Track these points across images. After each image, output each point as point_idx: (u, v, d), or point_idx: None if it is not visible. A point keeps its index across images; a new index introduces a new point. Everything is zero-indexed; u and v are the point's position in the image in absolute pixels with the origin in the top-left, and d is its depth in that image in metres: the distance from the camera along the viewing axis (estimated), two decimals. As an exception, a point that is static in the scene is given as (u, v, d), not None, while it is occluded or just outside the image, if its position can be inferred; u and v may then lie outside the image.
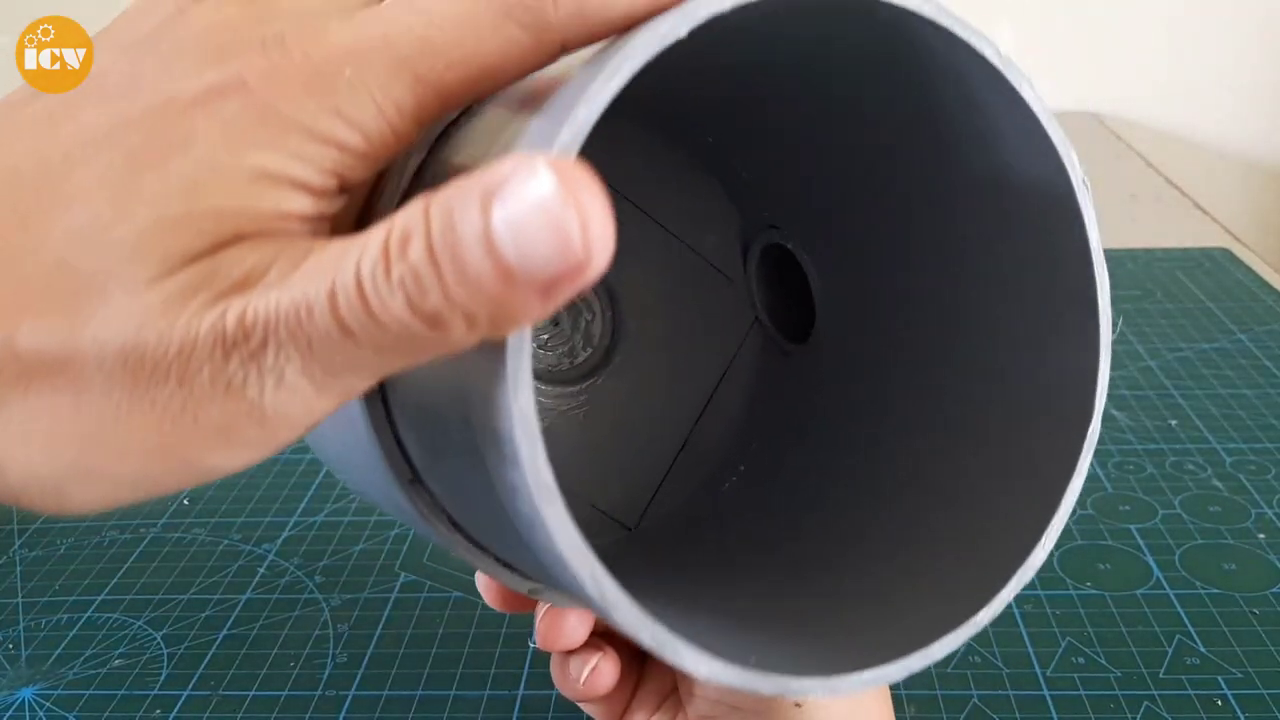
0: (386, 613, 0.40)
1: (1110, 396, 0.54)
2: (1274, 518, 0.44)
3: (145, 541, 0.45)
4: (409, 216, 0.15)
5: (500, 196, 0.14)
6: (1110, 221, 0.80)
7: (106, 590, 0.42)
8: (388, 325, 0.15)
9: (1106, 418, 0.52)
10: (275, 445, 0.17)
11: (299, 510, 0.46)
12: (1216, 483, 0.46)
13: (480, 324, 0.15)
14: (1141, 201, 0.84)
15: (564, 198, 0.14)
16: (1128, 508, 0.45)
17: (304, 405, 0.16)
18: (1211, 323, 0.61)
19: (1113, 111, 1.08)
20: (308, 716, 0.35)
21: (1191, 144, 1.07)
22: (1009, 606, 0.38)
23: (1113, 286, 0.71)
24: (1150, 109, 1.07)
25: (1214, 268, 0.69)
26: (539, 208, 0.14)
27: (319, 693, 0.36)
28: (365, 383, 0.17)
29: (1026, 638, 0.38)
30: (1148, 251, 0.72)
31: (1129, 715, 0.34)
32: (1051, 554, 0.42)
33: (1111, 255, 0.71)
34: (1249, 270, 0.69)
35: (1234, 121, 1.06)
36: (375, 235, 0.16)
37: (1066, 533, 0.43)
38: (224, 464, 0.17)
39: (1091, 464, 0.48)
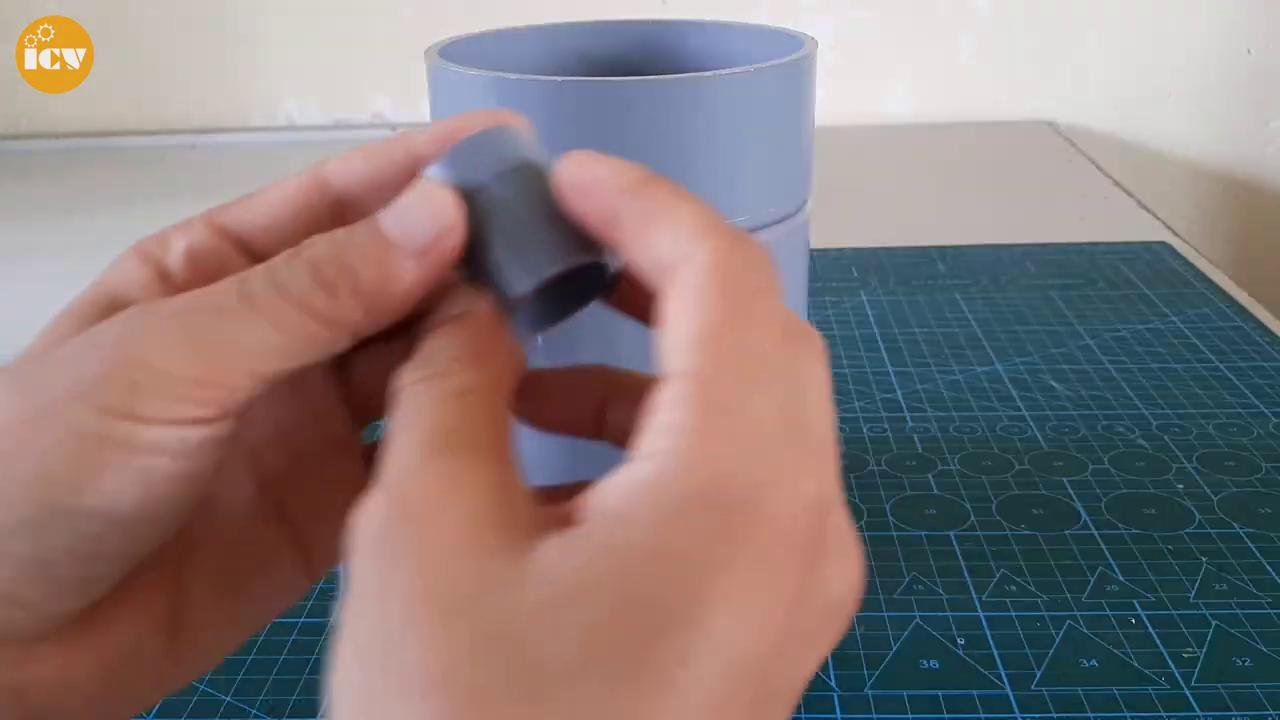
0: (391, 553, 0.44)
1: (1050, 370, 0.59)
2: (1192, 471, 0.48)
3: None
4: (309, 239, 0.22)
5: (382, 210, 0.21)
6: (1061, 219, 0.85)
7: (132, 538, 0.46)
8: (290, 296, 0.21)
9: (1045, 387, 0.57)
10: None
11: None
12: (1143, 443, 0.51)
13: (365, 291, 0.21)
14: (1090, 201, 0.90)
15: (433, 186, 0.21)
16: (1061, 463, 0.49)
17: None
18: (1147, 307, 0.66)
19: (1065, 119, 1.13)
20: (323, 639, 0.39)
21: (1138, 149, 1.12)
22: (951, 545, 0.43)
23: (1060, 276, 0.76)
24: (1100, 117, 1.13)
25: (1153, 259, 0.75)
26: (416, 194, 0.21)
27: (333, 619, 0.40)
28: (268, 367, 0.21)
29: (965, 570, 0.42)
30: (1093, 245, 0.77)
31: (1053, 631, 0.39)
32: (989, 501, 0.46)
33: (1060, 249, 0.76)
34: (1185, 261, 0.74)
35: (1178, 129, 1.12)
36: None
37: (1004, 484, 0.48)
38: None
39: (1029, 426, 0.53)
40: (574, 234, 0.21)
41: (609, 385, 0.24)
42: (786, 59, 0.35)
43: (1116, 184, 0.94)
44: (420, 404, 0.19)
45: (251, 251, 0.24)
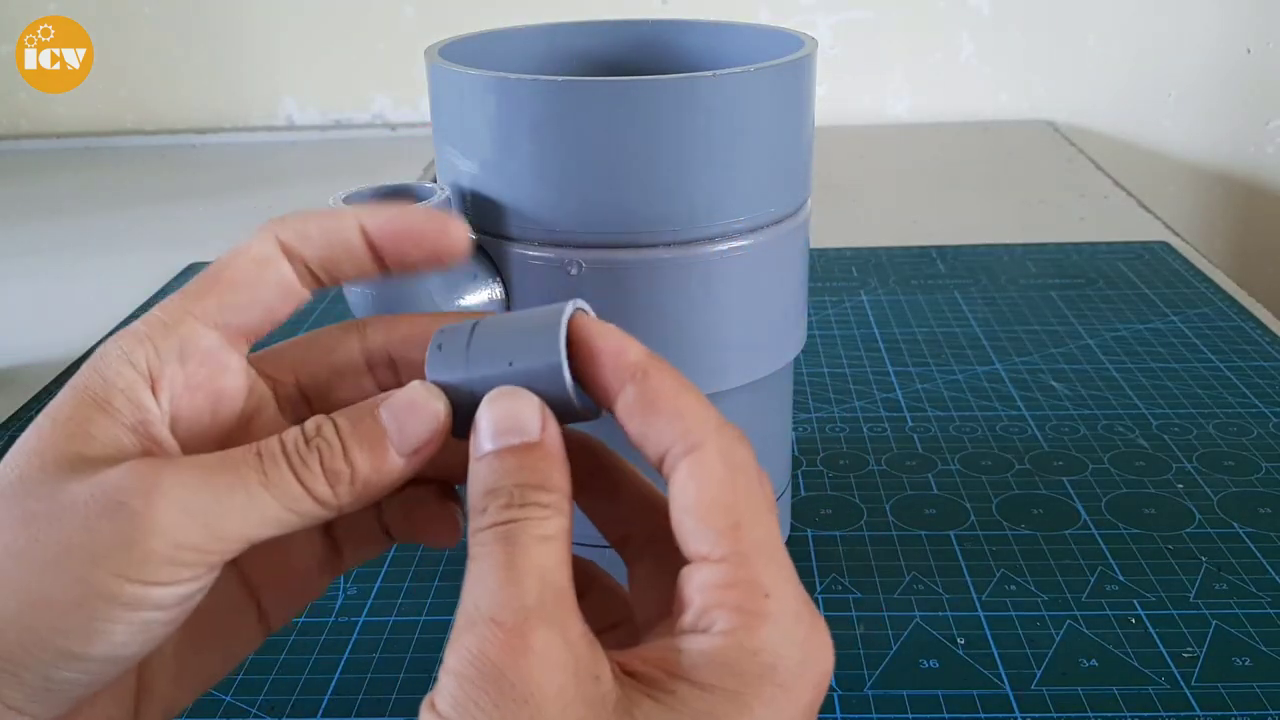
0: (392, 552, 0.44)
1: (1050, 370, 0.59)
2: (1192, 471, 0.49)
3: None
4: (318, 417, 0.24)
5: (384, 403, 0.24)
6: (1060, 219, 0.85)
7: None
8: (300, 478, 0.23)
9: (1045, 387, 0.57)
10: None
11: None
12: (1143, 442, 0.51)
13: (360, 482, 0.24)
14: (1090, 201, 0.90)
15: (428, 394, 0.24)
16: (1061, 463, 0.49)
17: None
18: (1147, 306, 0.66)
19: (1066, 119, 1.13)
20: (323, 638, 0.39)
21: (1138, 149, 1.12)
22: (951, 545, 0.43)
23: (1060, 276, 0.76)
24: (1101, 117, 1.13)
25: (1153, 259, 0.75)
26: (412, 401, 0.24)
27: (332, 619, 0.40)
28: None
29: (965, 569, 0.42)
30: (1093, 245, 0.77)
31: (1053, 631, 0.39)
32: (989, 501, 0.46)
33: (1060, 248, 0.76)
34: (1185, 261, 0.74)
35: (1177, 128, 1.12)
36: (291, 429, 0.24)
37: (1004, 483, 0.48)
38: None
39: (1029, 426, 0.53)
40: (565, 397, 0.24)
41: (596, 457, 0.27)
42: (786, 59, 0.35)
43: (1116, 184, 0.94)
44: (515, 547, 0.21)
45: (232, 335, 0.26)
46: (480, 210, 0.36)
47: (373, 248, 0.27)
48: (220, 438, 0.26)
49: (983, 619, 0.40)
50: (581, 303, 0.25)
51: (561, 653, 0.20)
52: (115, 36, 1.15)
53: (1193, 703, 0.35)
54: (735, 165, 0.34)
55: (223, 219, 0.89)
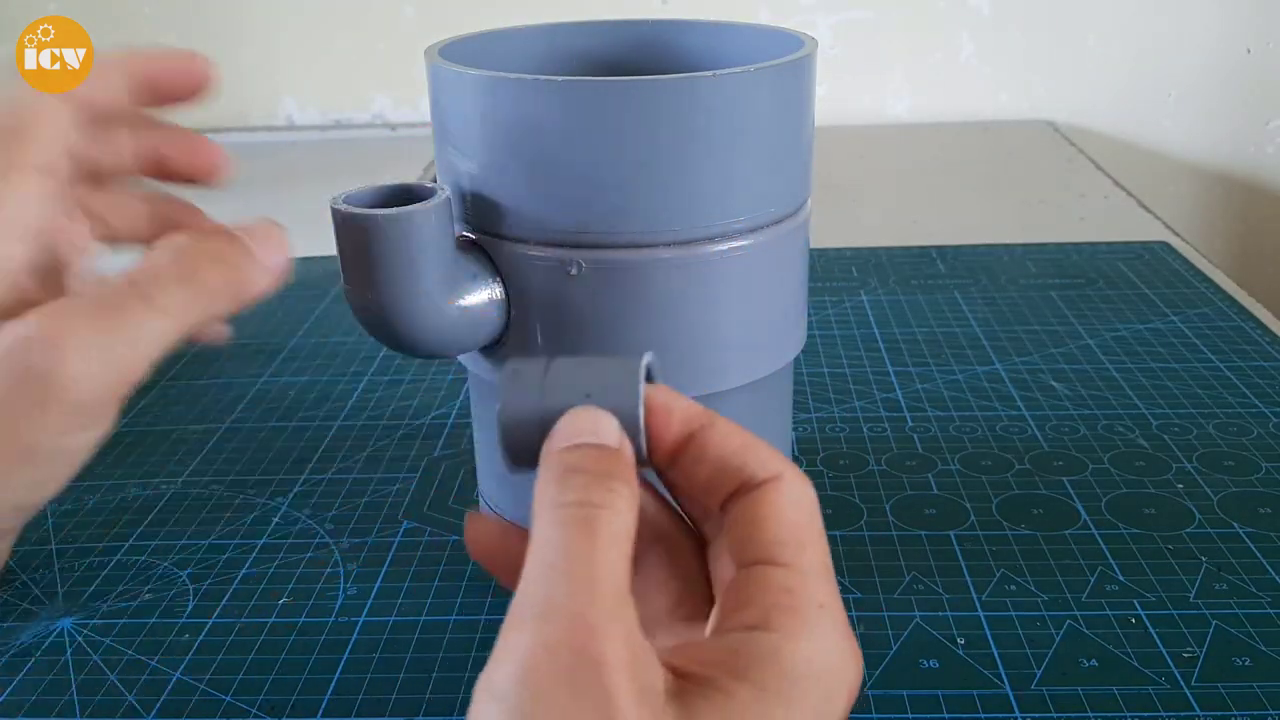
0: (392, 554, 0.44)
1: (1050, 369, 0.59)
2: (1192, 471, 0.48)
3: (166, 498, 0.49)
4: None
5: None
6: (1060, 218, 0.85)
7: (132, 539, 0.46)
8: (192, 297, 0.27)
9: (1045, 387, 0.57)
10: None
11: (308, 469, 0.50)
12: (1143, 442, 0.51)
13: (238, 290, 0.29)
14: (1090, 200, 0.90)
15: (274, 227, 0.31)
16: (1061, 463, 0.49)
17: None
18: (1147, 306, 0.66)
19: (1066, 119, 1.13)
20: (323, 638, 0.39)
21: (1138, 149, 1.12)
22: (951, 545, 0.43)
23: (1060, 276, 0.75)
24: (1101, 117, 1.13)
25: (1153, 259, 0.75)
26: (266, 232, 0.31)
27: (332, 619, 0.40)
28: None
29: (965, 569, 0.42)
30: (1093, 245, 0.77)
31: (1053, 631, 0.39)
32: (989, 501, 0.46)
33: (1060, 248, 0.76)
34: (1185, 261, 0.74)
35: (1178, 128, 1.12)
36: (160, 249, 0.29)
37: (1004, 483, 0.48)
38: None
39: (1029, 426, 0.53)
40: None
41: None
42: (786, 58, 0.35)
43: (1116, 184, 0.94)
44: (596, 540, 0.22)
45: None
46: (480, 210, 0.36)
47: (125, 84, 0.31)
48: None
49: (983, 619, 0.39)
50: (651, 356, 0.26)
51: (630, 657, 0.21)
52: (115, 36, 1.15)
53: (1193, 703, 0.35)
54: (735, 165, 0.34)
55: (222, 219, 0.88)
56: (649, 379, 0.27)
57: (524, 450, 0.25)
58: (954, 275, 0.73)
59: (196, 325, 0.27)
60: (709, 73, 0.33)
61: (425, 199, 0.33)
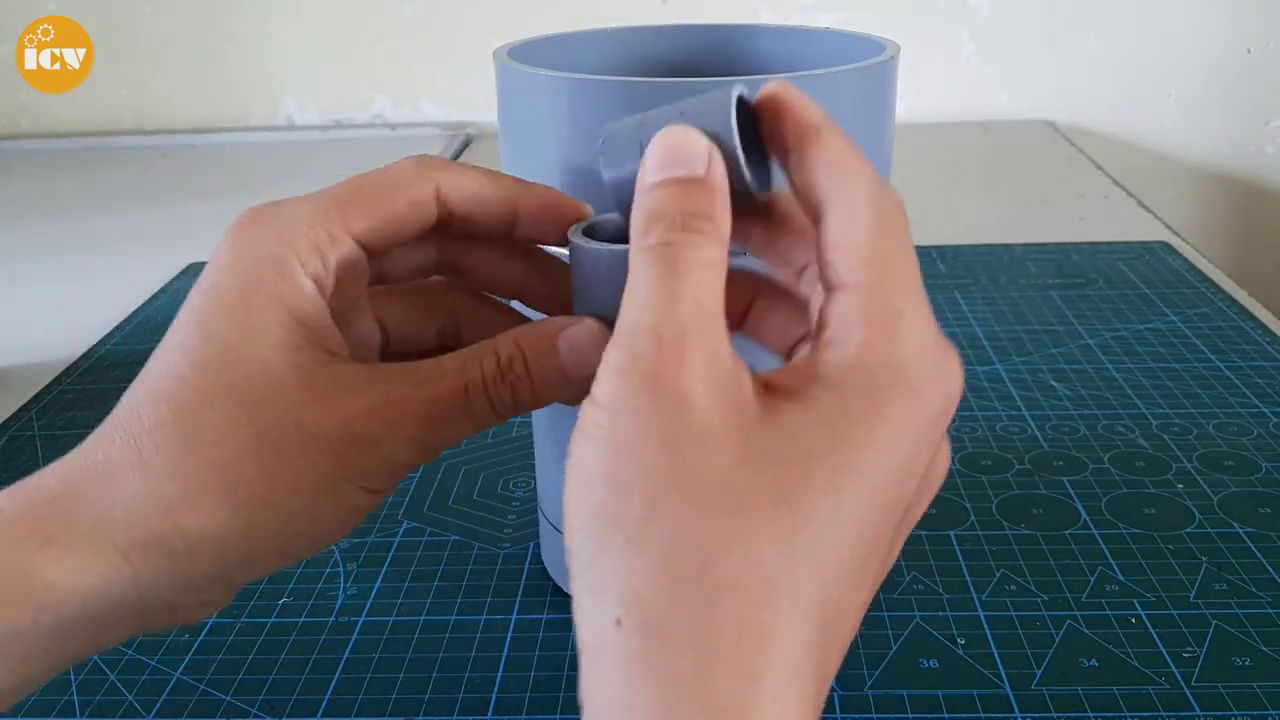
0: (391, 554, 0.44)
1: (1050, 370, 0.59)
2: (1192, 471, 0.48)
3: (165, 498, 0.49)
4: (510, 347, 0.28)
5: (564, 337, 0.28)
6: (1060, 218, 0.85)
7: (132, 538, 0.46)
8: (494, 408, 0.28)
9: (1045, 387, 0.57)
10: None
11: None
12: (1143, 442, 0.51)
13: (534, 406, 0.29)
14: (1090, 200, 0.90)
15: (602, 332, 0.28)
16: (1061, 463, 0.49)
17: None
18: (1147, 306, 0.66)
19: (1066, 120, 1.13)
20: (323, 638, 0.39)
21: (1138, 149, 1.12)
22: (951, 545, 0.43)
23: (1060, 276, 0.75)
24: (1101, 117, 1.13)
25: (1153, 259, 0.75)
26: (593, 339, 0.28)
27: (332, 619, 0.40)
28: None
29: (965, 569, 0.42)
30: (1093, 245, 0.77)
31: (1053, 631, 0.39)
32: (989, 501, 0.46)
33: (1060, 248, 0.76)
34: (1185, 261, 0.74)
35: (1177, 128, 1.12)
36: (488, 357, 0.28)
37: (1004, 483, 0.48)
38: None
39: (1030, 426, 0.53)
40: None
41: (758, 288, 0.29)
42: (869, 62, 0.35)
43: (1116, 183, 0.94)
44: (671, 269, 0.23)
45: (369, 255, 0.30)
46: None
47: (512, 216, 0.30)
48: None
49: (983, 619, 0.39)
50: (744, 88, 0.26)
51: (710, 365, 0.22)
52: (115, 36, 1.15)
53: (1193, 703, 0.35)
54: None
55: (223, 219, 0.88)
56: (748, 106, 0.26)
57: (624, 179, 0.26)
58: (954, 275, 0.73)
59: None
60: (787, 74, 0.32)
61: None
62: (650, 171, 0.25)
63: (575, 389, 0.28)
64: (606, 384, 0.22)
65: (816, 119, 0.25)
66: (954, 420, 0.53)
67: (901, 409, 0.23)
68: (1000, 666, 0.37)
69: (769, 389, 0.23)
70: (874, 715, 0.35)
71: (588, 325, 0.28)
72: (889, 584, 0.41)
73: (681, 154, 0.25)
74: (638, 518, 0.21)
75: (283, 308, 0.27)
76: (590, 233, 0.29)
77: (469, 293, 0.33)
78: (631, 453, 0.21)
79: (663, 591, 0.20)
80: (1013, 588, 0.41)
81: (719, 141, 0.25)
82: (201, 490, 0.26)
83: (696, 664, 0.20)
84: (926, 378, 0.24)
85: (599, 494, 0.21)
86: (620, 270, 0.24)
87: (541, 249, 0.32)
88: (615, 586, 0.21)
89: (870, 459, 0.22)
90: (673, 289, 0.23)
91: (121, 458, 0.27)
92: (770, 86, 0.26)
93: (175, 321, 0.28)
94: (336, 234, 0.28)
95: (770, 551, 0.21)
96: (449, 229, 0.31)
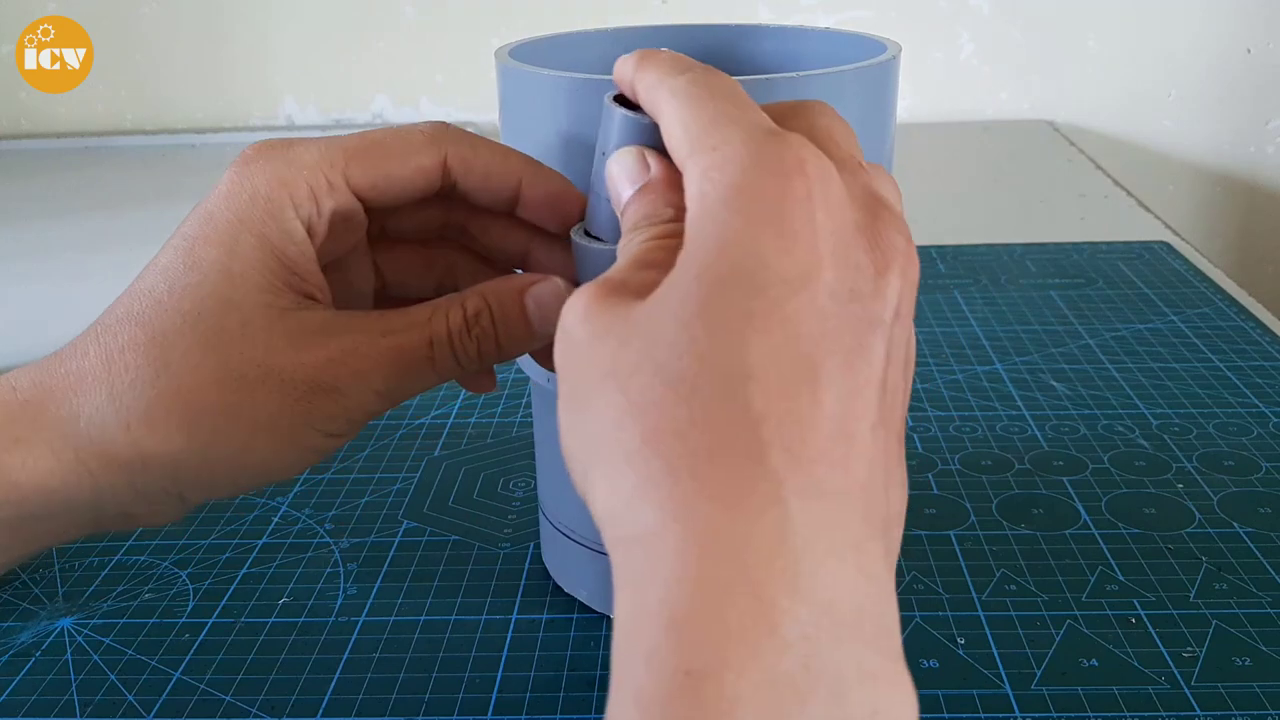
0: (392, 553, 0.44)
1: (1050, 369, 0.59)
2: (1192, 471, 0.48)
3: (165, 498, 0.49)
4: (477, 301, 0.29)
5: (530, 294, 0.29)
6: (1060, 218, 0.85)
7: (132, 538, 0.46)
8: (459, 359, 0.29)
9: (1045, 387, 0.57)
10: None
11: (308, 469, 0.50)
12: (1143, 442, 0.51)
13: (501, 357, 0.30)
14: (1090, 200, 0.90)
15: (565, 287, 0.29)
16: (1061, 463, 0.49)
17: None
18: (1147, 306, 0.66)
19: (1066, 119, 1.13)
20: (323, 638, 0.39)
21: (1138, 148, 1.12)
22: (951, 545, 0.43)
23: (1060, 276, 0.75)
24: (1101, 117, 1.13)
25: (1153, 259, 0.75)
26: (556, 294, 0.29)
27: (332, 619, 0.40)
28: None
29: (965, 569, 0.42)
30: (1093, 244, 0.77)
31: (1053, 631, 0.39)
32: (989, 501, 0.46)
33: (1060, 248, 0.76)
34: (1185, 260, 0.74)
35: (1178, 128, 1.12)
36: (454, 310, 0.29)
37: (1004, 483, 0.48)
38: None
39: (1030, 426, 0.53)
40: None
41: None
42: (870, 62, 0.34)
43: (1116, 183, 0.94)
44: (630, 248, 0.25)
45: (369, 210, 0.30)
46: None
47: (517, 197, 0.31)
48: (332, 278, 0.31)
49: (983, 619, 0.39)
50: (613, 89, 0.28)
51: (611, 286, 0.23)
52: (115, 36, 1.15)
53: (1193, 703, 0.35)
54: None
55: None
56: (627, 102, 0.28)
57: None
58: (954, 275, 0.73)
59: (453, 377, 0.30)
60: (791, 74, 0.32)
61: None
62: (618, 197, 0.27)
63: (540, 343, 0.29)
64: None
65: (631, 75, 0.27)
66: (954, 419, 0.53)
67: (758, 227, 0.21)
68: (1000, 666, 0.37)
69: None
70: (874, 715, 0.35)
71: (554, 283, 0.29)
72: (889, 584, 0.41)
73: (630, 172, 0.26)
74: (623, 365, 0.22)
75: (268, 249, 0.28)
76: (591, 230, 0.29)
77: (471, 251, 0.33)
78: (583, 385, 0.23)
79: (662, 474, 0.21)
80: (1013, 588, 0.41)
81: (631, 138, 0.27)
82: (163, 415, 0.27)
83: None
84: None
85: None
86: None
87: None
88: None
89: (748, 289, 0.21)
90: (624, 256, 0.24)
91: (92, 371, 0.28)
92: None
93: (168, 242, 0.29)
94: (336, 183, 0.29)
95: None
96: (454, 197, 0.31)
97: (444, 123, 0.31)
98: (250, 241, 0.28)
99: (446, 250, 0.34)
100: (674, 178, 0.25)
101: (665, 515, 0.19)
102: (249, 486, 0.30)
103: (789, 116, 0.25)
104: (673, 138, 0.24)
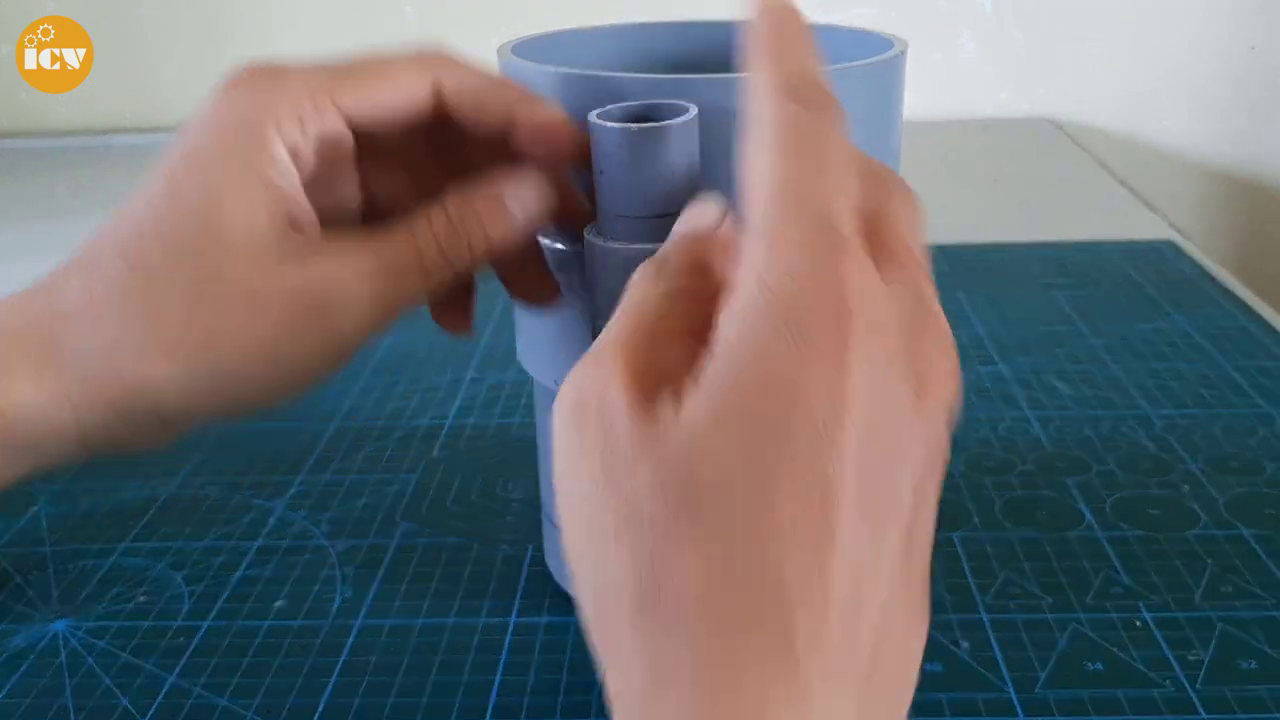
0: (389, 555, 0.44)
1: (1054, 370, 0.58)
2: (1197, 472, 0.48)
3: (160, 499, 0.48)
4: (458, 202, 0.30)
5: (509, 191, 0.30)
6: (1064, 217, 0.85)
7: (127, 540, 0.45)
8: (448, 259, 0.29)
9: (1049, 387, 0.56)
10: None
11: (304, 470, 0.50)
12: (1147, 443, 0.51)
13: (489, 254, 0.30)
14: (1093, 199, 0.89)
15: (542, 178, 0.30)
16: (1065, 464, 0.49)
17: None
18: (1152, 307, 0.66)
19: (1069, 118, 1.13)
20: (320, 641, 0.39)
21: (1142, 147, 1.12)
22: (954, 547, 0.42)
23: (1064, 275, 0.75)
24: (1104, 115, 1.12)
25: (1158, 258, 0.74)
26: (535, 187, 0.30)
27: (329, 622, 0.40)
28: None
29: (968, 571, 0.42)
30: (1097, 244, 0.77)
31: (1058, 634, 0.38)
32: (992, 502, 0.46)
33: (1064, 247, 0.76)
34: (1190, 260, 0.73)
35: (1181, 126, 1.12)
36: (437, 215, 0.30)
37: (1007, 485, 0.47)
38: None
39: (1033, 427, 0.52)
40: None
41: None
42: (878, 58, 0.34)
43: (1120, 182, 0.93)
44: (629, 298, 0.24)
45: (357, 136, 0.30)
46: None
47: (508, 127, 0.30)
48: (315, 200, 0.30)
49: (986, 621, 0.39)
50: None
51: (629, 382, 0.22)
52: (115, 36, 1.14)
53: (1198, 706, 0.35)
54: None
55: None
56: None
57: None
58: (956, 274, 0.72)
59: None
60: None
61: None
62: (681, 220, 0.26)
63: (528, 236, 0.30)
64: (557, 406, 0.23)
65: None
66: (957, 421, 0.53)
67: (786, 359, 0.20)
68: (1004, 670, 0.37)
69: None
70: (876, 719, 0.35)
71: (531, 180, 0.29)
72: (891, 586, 0.41)
73: (701, 216, 0.26)
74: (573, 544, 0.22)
75: (253, 175, 0.28)
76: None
77: (460, 173, 0.33)
78: (573, 477, 0.22)
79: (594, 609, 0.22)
80: (1016, 590, 0.41)
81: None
82: (146, 345, 0.27)
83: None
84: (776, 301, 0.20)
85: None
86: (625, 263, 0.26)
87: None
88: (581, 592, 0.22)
89: (771, 427, 0.20)
90: (622, 313, 0.24)
91: (75, 303, 0.29)
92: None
93: (152, 170, 0.30)
94: (323, 106, 0.29)
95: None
96: (444, 121, 0.31)
97: (437, 46, 0.31)
98: (234, 170, 0.28)
99: (435, 171, 0.33)
100: (732, 243, 0.24)
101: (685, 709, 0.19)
102: (235, 413, 0.30)
103: (867, 187, 0.24)
104: (749, 183, 0.23)
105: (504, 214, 0.29)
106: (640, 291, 0.24)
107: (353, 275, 0.28)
